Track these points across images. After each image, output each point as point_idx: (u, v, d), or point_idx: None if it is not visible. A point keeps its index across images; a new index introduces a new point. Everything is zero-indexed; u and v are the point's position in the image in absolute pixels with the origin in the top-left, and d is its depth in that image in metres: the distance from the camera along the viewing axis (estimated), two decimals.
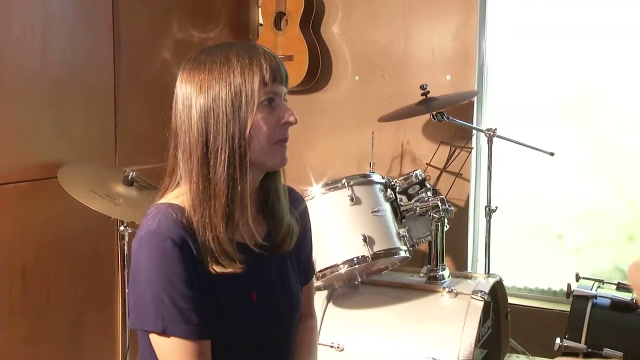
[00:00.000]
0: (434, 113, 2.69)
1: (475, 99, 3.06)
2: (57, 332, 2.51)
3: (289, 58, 3.18)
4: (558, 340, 2.16)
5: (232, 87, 1.22)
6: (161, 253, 1.19)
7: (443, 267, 2.40)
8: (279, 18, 3.25)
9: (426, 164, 2.99)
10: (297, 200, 1.47)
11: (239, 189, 1.23)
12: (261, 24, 3.39)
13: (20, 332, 2.37)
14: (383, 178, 2.37)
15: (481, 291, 2.22)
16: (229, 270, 1.23)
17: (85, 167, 2.44)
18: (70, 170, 2.33)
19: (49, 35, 2.44)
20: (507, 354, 2.57)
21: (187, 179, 1.25)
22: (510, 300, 2.61)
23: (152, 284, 1.20)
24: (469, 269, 3.12)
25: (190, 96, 1.24)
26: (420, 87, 2.72)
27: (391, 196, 2.34)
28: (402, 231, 2.30)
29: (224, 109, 1.22)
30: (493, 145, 2.72)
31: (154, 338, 1.23)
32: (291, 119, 1.27)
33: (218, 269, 1.22)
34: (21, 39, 2.33)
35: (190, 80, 1.25)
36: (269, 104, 1.25)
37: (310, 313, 1.55)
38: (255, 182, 1.32)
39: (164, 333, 1.20)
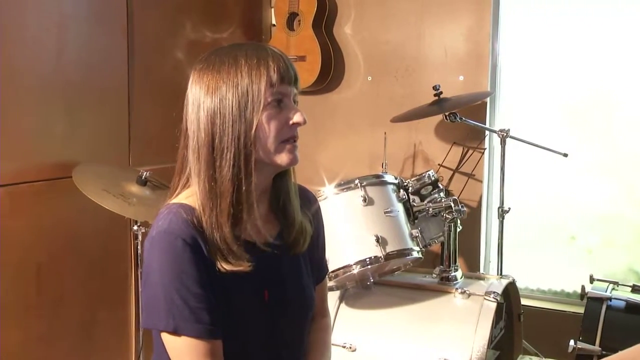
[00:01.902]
0: (446, 114, 2.69)
1: (488, 99, 3.05)
2: (71, 331, 2.53)
3: (302, 58, 3.18)
4: (572, 342, 2.14)
5: (239, 87, 1.23)
6: (172, 253, 1.20)
7: (456, 268, 2.40)
8: (291, 18, 3.26)
9: (439, 164, 2.99)
10: (309, 200, 1.47)
11: (244, 188, 1.24)
12: (274, 25, 3.40)
13: (35, 330, 2.39)
14: (396, 179, 2.37)
15: (494, 292, 2.21)
16: (238, 268, 1.24)
17: (99, 166, 2.46)
18: (84, 170, 2.34)
19: (63, 36, 2.46)
20: (520, 356, 2.56)
21: (196, 179, 1.26)
22: (523, 301, 2.59)
23: (163, 283, 1.21)
24: (482, 270, 3.11)
25: (198, 98, 1.26)
26: (433, 87, 2.72)
27: (404, 197, 2.34)
28: (415, 232, 2.30)
29: (230, 109, 1.23)
30: (506, 146, 2.70)
31: (165, 337, 1.23)
32: (299, 119, 1.27)
33: (227, 267, 1.23)
34: (36, 40, 2.35)
35: (199, 82, 1.26)
36: (277, 104, 1.26)
37: (324, 312, 1.55)
38: (266, 182, 1.33)
39: (175, 332, 1.21)
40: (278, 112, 1.26)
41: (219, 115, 1.23)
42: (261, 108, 1.23)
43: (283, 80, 1.25)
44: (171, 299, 1.20)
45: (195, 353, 1.21)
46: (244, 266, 1.24)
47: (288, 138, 1.27)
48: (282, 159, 1.27)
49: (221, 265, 1.23)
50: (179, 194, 1.32)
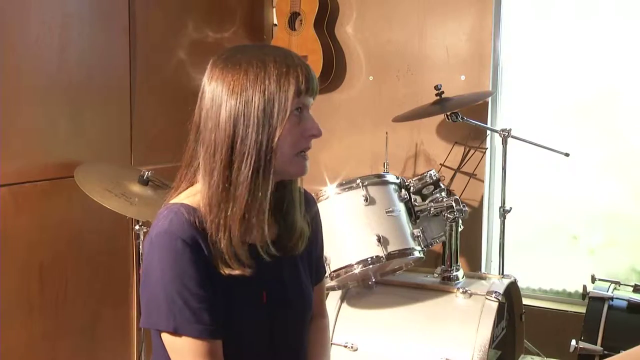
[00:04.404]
0: (448, 113, 2.69)
1: (489, 99, 3.05)
2: (73, 330, 2.53)
3: (304, 58, 3.18)
4: (574, 342, 2.14)
5: (267, 93, 1.22)
6: (172, 253, 1.20)
7: (457, 267, 2.40)
8: (293, 18, 3.26)
9: (440, 164, 2.99)
10: (309, 202, 1.47)
11: (260, 194, 1.23)
12: (275, 24, 3.40)
13: (38, 329, 2.39)
14: (397, 178, 2.37)
15: (495, 292, 2.21)
16: (237, 272, 1.23)
17: (102, 166, 2.46)
18: (87, 169, 2.35)
19: (66, 36, 2.46)
20: (522, 355, 2.56)
21: (206, 176, 1.25)
22: (525, 301, 2.59)
23: (163, 283, 1.20)
24: (483, 270, 3.11)
25: (220, 95, 1.23)
26: (435, 87, 2.72)
27: (405, 196, 2.34)
28: (417, 231, 2.30)
29: (255, 114, 1.21)
30: (507, 146, 2.71)
31: (166, 337, 1.23)
32: (316, 132, 1.28)
33: (226, 270, 1.23)
34: (39, 40, 2.36)
35: (222, 79, 1.23)
36: (298, 114, 1.26)
37: (322, 313, 1.55)
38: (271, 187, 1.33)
39: (175, 332, 1.21)
40: (297, 122, 1.26)
41: (242, 117, 1.21)
42: (287, 117, 1.22)
43: (307, 91, 1.26)
44: (172, 299, 1.20)
45: (196, 353, 1.21)
46: (243, 271, 1.23)
47: (303, 149, 1.28)
48: (295, 169, 1.28)
49: (222, 269, 1.23)
50: (181, 191, 1.31)
